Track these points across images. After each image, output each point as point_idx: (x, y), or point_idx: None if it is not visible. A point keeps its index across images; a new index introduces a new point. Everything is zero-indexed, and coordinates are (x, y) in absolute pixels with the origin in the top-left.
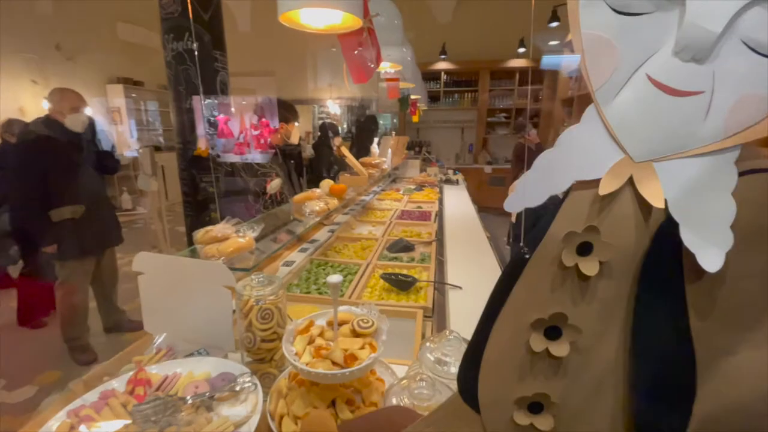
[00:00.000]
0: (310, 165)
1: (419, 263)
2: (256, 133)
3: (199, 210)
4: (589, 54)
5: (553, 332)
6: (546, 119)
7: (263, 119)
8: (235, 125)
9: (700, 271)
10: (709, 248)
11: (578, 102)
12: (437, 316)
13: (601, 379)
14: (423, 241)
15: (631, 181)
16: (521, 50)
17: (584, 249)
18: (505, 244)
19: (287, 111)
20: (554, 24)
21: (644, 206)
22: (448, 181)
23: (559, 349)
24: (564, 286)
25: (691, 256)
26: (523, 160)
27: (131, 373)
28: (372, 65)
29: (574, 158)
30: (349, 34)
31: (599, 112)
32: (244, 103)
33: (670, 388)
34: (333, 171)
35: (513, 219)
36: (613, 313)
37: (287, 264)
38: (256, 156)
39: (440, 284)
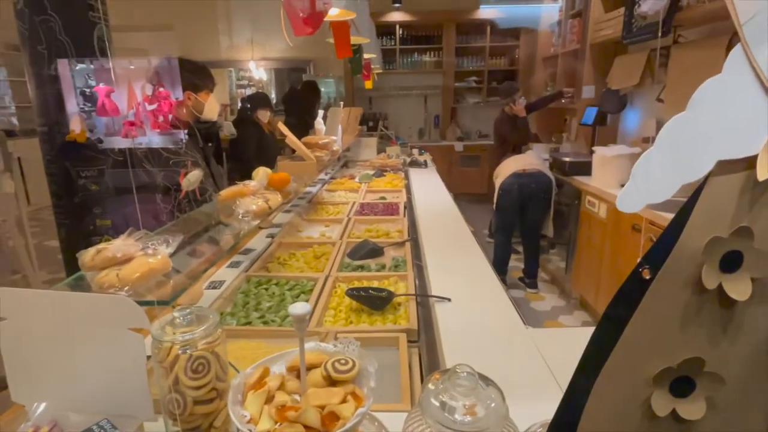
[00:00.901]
0: (231, 148)
1: (393, 271)
2: (151, 107)
3: (78, 216)
4: None
5: (682, 385)
6: (524, 83)
7: (161, 89)
8: (121, 98)
9: None
10: None
11: (563, 61)
12: (425, 339)
13: None
14: (394, 242)
15: None
16: None
17: (730, 263)
18: (486, 238)
19: (196, 76)
20: None
21: None
22: (415, 164)
23: (692, 409)
24: (700, 319)
25: None
26: (505, 136)
27: None
28: (318, 11)
29: (716, 127)
30: None
31: (748, 56)
32: (132, 67)
33: None
34: (266, 156)
35: (495, 206)
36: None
37: (214, 286)
38: (153, 139)
39: (423, 298)
